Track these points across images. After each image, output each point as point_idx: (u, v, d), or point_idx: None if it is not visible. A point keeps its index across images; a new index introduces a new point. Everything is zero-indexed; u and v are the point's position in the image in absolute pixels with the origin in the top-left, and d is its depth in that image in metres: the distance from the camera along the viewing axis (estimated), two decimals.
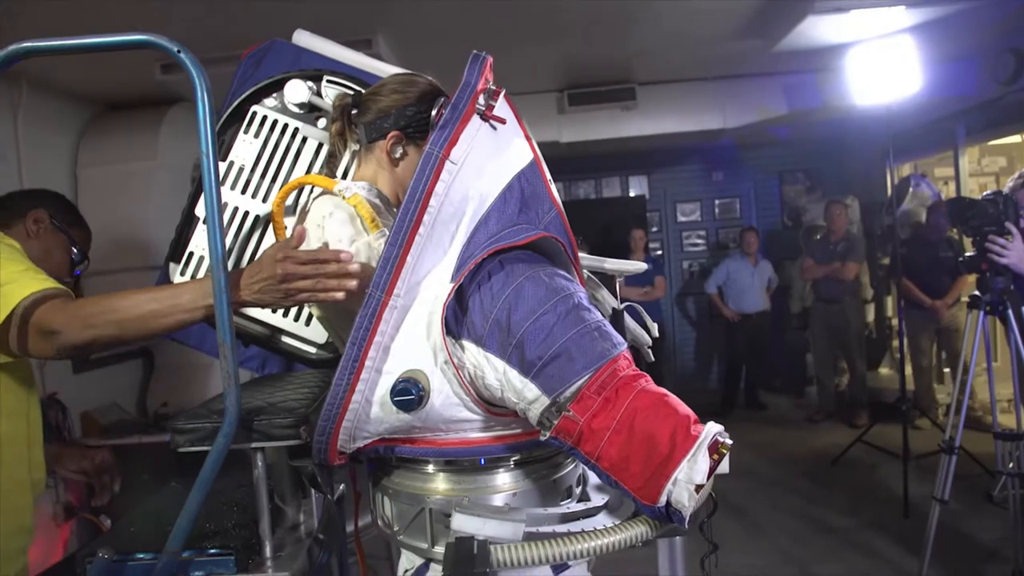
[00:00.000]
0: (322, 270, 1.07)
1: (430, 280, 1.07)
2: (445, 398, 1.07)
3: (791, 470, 4.53)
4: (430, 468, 1.20)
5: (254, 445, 1.16)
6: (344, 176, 1.46)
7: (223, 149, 1.62)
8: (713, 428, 0.98)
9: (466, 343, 1.07)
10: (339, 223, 1.14)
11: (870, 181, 5.99)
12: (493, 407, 1.10)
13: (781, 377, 6.39)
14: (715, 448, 0.95)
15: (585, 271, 1.36)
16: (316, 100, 1.59)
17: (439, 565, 1.17)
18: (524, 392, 1.03)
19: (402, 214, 1.04)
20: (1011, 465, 2.58)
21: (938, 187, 5.30)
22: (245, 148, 1.59)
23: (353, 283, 1.07)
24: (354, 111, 1.32)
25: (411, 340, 1.06)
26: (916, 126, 4.91)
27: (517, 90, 1.46)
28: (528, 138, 1.20)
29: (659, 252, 6.71)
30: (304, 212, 1.25)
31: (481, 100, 1.12)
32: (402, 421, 1.09)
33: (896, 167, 5.85)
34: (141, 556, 1.17)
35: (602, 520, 1.19)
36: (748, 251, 5.80)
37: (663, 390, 1.04)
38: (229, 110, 1.60)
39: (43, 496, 1.64)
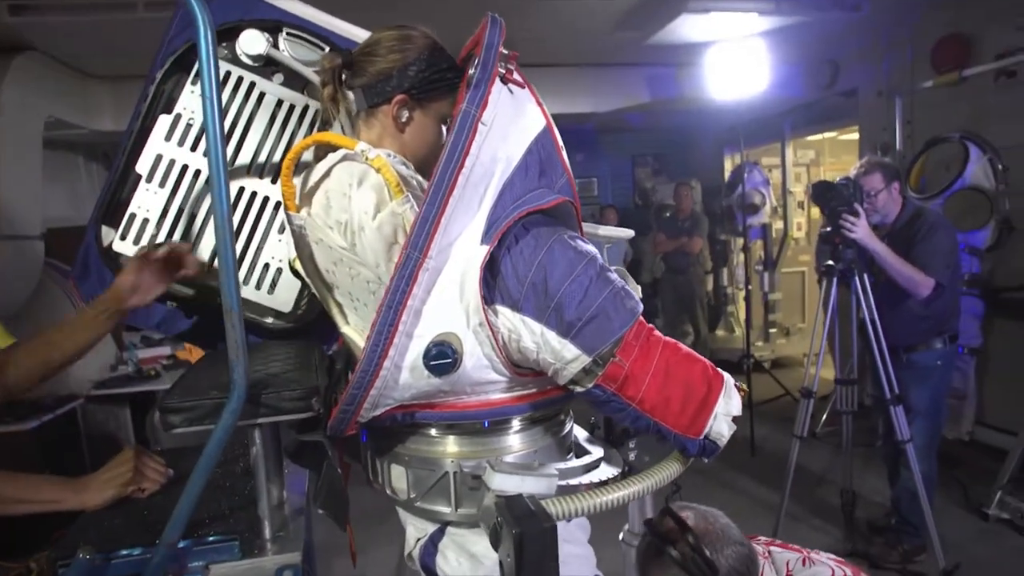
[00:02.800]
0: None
1: (461, 242, 1.01)
2: (476, 360, 1.02)
3: None
4: (434, 432, 1.14)
5: (262, 420, 1.03)
6: None
7: (165, 100, 1.41)
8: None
9: (500, 308, 1.02)
10: (366, 193, 1.03)
11: (709, 166, 6.52)
12: (518, 368, 1.06)
13: None
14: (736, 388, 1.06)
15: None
16: (274, 53, 1.42)
17: (457, 528, 1.13)
18: (562, 352, 1.01)
19: (441, 173, 0.96)
20: (846, 406, 2.96)
21: (766, 174, 5.89)
22: (194, 101, 1.39)
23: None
24: (346, 73, 1.18)
25: (443, 303, 0.99)
26: (751, 120, 5.40)
27: None
28: (540, 104, 1.15)
29: None
30: (326, 175, 1.11)
31: (500, 63, 1.06)
32: (431, 386, 1.02)
33: (731, 155, 6.43)
34: (127, 552, 1.00)
35: (605, 470, 1.21)
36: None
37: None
38: (173, 56, 1.38)
39: None
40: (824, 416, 4.34)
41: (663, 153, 7.06)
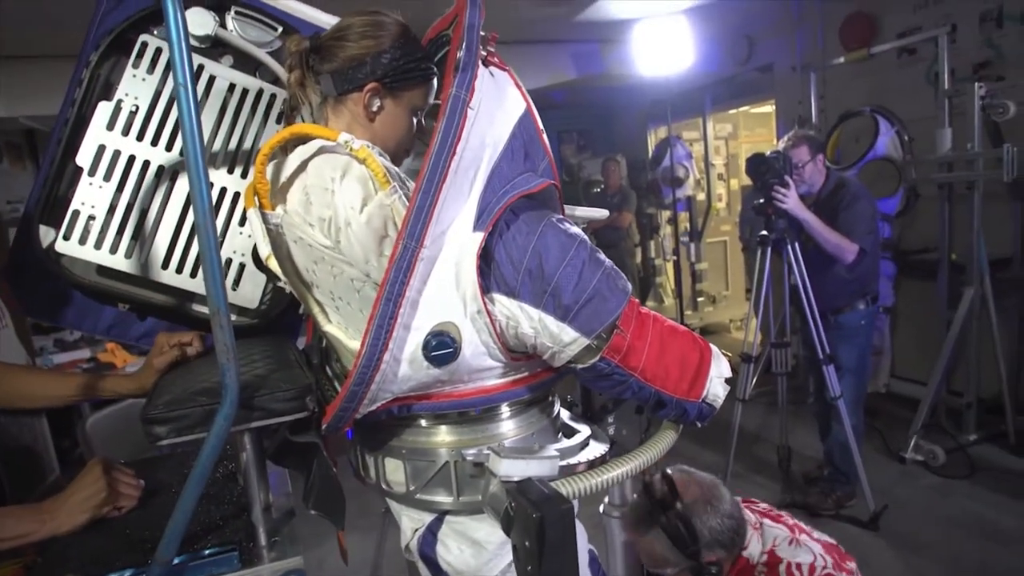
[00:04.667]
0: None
1: (453, 229, 0.99)
2: (474, 348, 1.01)
3: None
4: (424, 423, 1.13)
5: (256, 424, 0.99)
6: None
7: (100, 85, 1.30)
8: None
9: (497, 296, 1.02)
10: (351, 186, 0.99)
11: (633, 142, 6.67)
12: (513, 353, 1.07)
13: None
14: None
15: None
16: (223, 33, 1.34)
17: (456, 516, 1.13)
18: (560, 336, 1.02)
19: (434, 160, 0.94)
20: (781, 368, 3.15)
21: (688, 147, 6.08)
22: (137, 86, 1.29)
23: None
24: (313, 58, 1.12)
25: (439, 292, 0.98)
26: (674, 95, 5.55)
27: None
28: (519, 86, 1.14)
29: None
30: (300, 168, 1.05)
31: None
32: (430, 377, 1.01)
33: (654, 129, 6.60)
34: (116, 575, 0.94)
35: (596, 447, 1.24)
36: None
37: None
38: (110, 37, 1.28)
39: None
40: (754, 379, 4.58)
41: (588, 129, 7.15)
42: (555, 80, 5.26)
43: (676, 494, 1.49)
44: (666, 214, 6.12)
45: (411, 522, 1.17)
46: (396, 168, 1.08)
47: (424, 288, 0.97)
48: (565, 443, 1.17)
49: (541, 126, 1.16)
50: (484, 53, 1.04)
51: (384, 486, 1.14)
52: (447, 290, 0.99)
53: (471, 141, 0.99)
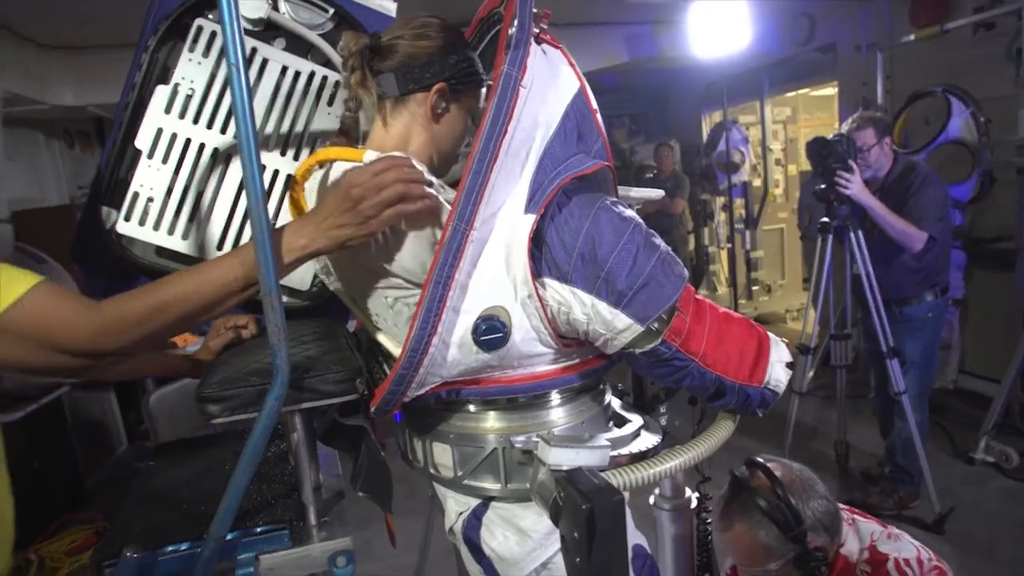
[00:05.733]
0: (404, 175, 0.90)
1: (504, 211, 0.97)
2: (524, 333, 0.99)
3: None
4: (472, 408, 1.12)
5: (306, 405, 0.99)
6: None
7: (159, 69, 1.32)
8: None
9: (548, 280, 0.99)
10: None
11: (687, 126, 6.51)
12: (565, 339, 1.04)
13: None
14: None
15: None
16: (275, 16, 1.34)
17: (502, 502, 1.11)
18: (614, 323, 0.99)
19: (485, 140, 0.92)
20: (840, 360, 3.02)
21: (745, 132, 5.90)
22: (193, 69, 1.31)
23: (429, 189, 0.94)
24: (373, 56, 1.07)
25: (489, 275, 0.96)
26: (730, 78, 5.37)
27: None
28: (573, 65, 1.11)
29: None
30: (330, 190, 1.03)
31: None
32: (480, 361, 0.99)
33: (709, 113, 6.42)
34: (173, 548, 0.96)
35: (647, 437, 1.20)
36: None
37: None
38: (168, 21, 1.29)
39: None
40: (812, 371, 4.43)
41: (641, 113, 7.02)
42: (607, 63, 5.14)
43: (772, 477, 1.43)
44: (720, 200, 5.96)
45: (456, 505, 1.16)
46: (433, 177, 1.03)
47: (474, 271, 0.95)
48: (616, 433, 1.14)
49: (595, 106, 1.13)
50: (536, 31, 1.01)
51: (432, 470, 1.13)
52: (497, 273, 0.97)
53: (523, 121, 0.96)
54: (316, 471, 1.21)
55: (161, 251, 1.33)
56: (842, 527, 1.41)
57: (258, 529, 0.99)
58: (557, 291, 0.99)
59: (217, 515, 0.93)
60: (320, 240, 0.93)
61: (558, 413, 1.13)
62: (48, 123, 4.47)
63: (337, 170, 1.03)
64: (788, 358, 1.08)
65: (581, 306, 0.99)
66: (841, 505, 1.53)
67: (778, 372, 1.06)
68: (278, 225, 0.96)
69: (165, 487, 1.16)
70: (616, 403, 1.33)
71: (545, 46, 1.04)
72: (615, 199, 1.06)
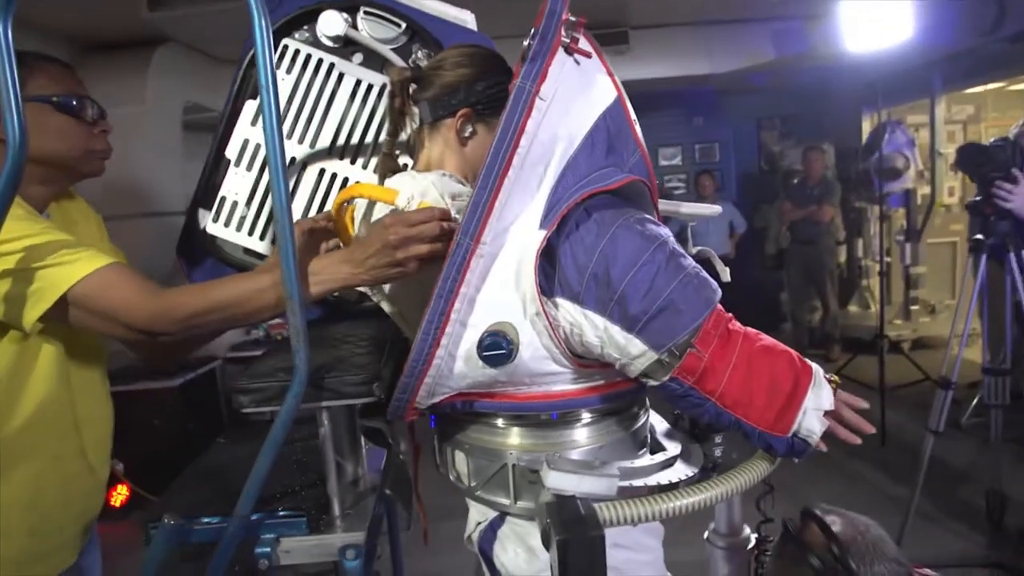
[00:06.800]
0: (434, 230, 0.96)
1: (517, 226, 0.95)
2: (534, 351, 0.97)
3: None
4: (500, 423, 1.10)
5: (325, 404, 1.04)
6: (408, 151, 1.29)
7: (251, 84, 1.44)
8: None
9: (560, 300, 0.96)
10: None
11: (844, 127, 5.93)
12: (582, 360, 1.00)
13: (754, 316, 6.42)
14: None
15: None
16: (352, 33, 1.42)
17: (517, 518, 1.10)
18: (628, 348, 0.93)
19: (493, 155, 0.91)
20: (996, 399, 2.60)
21: (911, 134, 5.25)
22: (279, 85, 1.41)
23: None
24: (413, 86, 1.15)
25: (498, 291, 0.95)
26: (892, 74, 4.80)
27: (498, 34, 1.32)
28: (611, 74, 1.06)
29: None
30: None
31: (564, 32, 0.97)
32: (487, 376, 0.98)
33: (870, 114, 5.79)
34: (207, 520, 1.06)
35: (681, 468, 1.12)
36: (703, 195, 5.67)
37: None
38: None
39: None
40: (972, 406, 3.86)
41: (792, 114, 6.50)
42: (751, 62, 4.83)
43: (830, 534, 1.29)
44: (876, 209, 5.36)
45: (477, 514, 1.16)
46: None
47: (483, 286, 0.95)
48: (639, 462, 1.08)
49: (633, 116, 1.07)
50: (566, 40, 0.97)
51: (452, 477, 1.14)
52: (507, 289, 0.95)
53: (540, 135, 0.93)
54: (356, 464, 1.27)
55: (248, 251, 1.46)
56: None
57: (280, 513, 1.06)
58: (569, 312, 0.96)
59: (241, 497, 1.01)
60: (360, 275, 1.01)
61: (581, 434, 1.09)
62: None
63: (380, 211, 1.09)
64: (828, 406, 0.95)
65: (593, 329, 0.95)
66: (925, 571, 1.32)
67: (811, 422, 0.94)
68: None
69: (224, 463, 1.28)
70: (660, 428, 1.26)
71: (578, 56, 1.00)
72: (645, 216, 1.00)
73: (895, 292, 5.33)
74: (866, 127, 5.90)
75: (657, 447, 1.18)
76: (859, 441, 0.98)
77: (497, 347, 0.94)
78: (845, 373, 4.56)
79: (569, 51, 0.98)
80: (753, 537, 1.37)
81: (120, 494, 3.06)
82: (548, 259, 0.96)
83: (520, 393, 1.04)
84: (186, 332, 1.02)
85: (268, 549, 1.03)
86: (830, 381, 0.98)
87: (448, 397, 1.02)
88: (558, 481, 0.93)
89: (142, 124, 3.60)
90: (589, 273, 0.94)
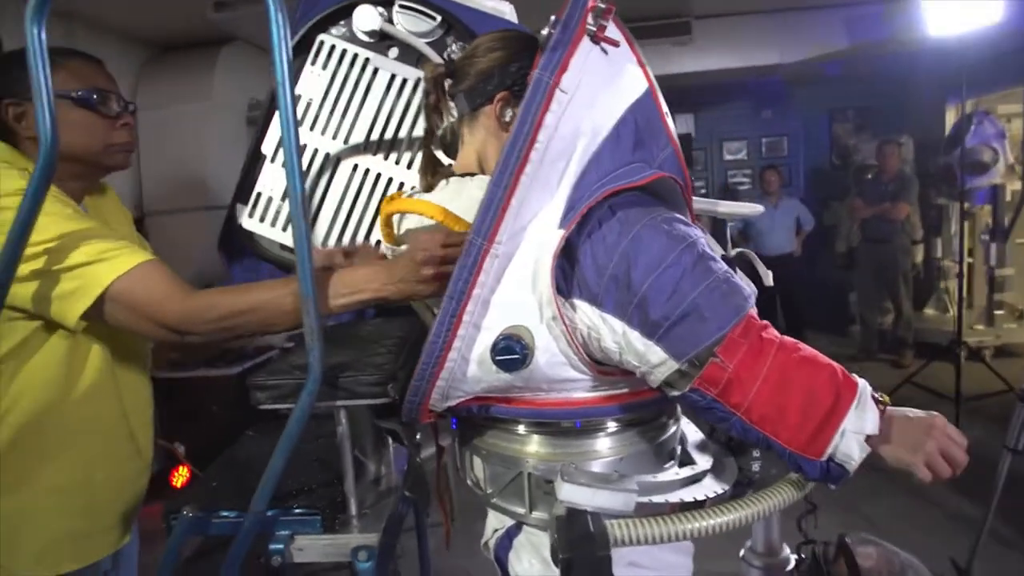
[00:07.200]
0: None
1: (535, 225, 0.90)
2: (551, 356, 0.92)
3: None
4: (521, 429, 1.06)
5: (339, 403, 1.03)
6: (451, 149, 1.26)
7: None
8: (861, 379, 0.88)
9: (578, 302, 0.91)
10: None
11: (925, 119, 5.54)
12: (602, 366, 0.95)
13: (821, 317, 6.11)
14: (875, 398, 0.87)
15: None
16: (387, 28, 1.40)
17: (533, 528, 1.05)
18: (647, 356, 0.87)
19: (508, 150, 0.86)
20: None
21: (1002, 125, 4.86)
22: (312, 81, 1.41)
23: None
24: (448, 81, 1.10)
25: (514, 293, 0.90)
26: (980, 60, 4.44)
27: (540, 27, 1.24)
28: (642, 64, 0.99)
29: (703, 192, 6.39)
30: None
31: (591, 19, 0.91)
32: (502, 380, 0.94)
33: (955, 105, 5.39)
34: (225, 514, 1.07)
35: (709, 485, 1.05)
36: (768, 191, 5.39)
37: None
38: (295, 40, 1.41)
39: None
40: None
41: (867, 106, 6.13)
42: (823, 51, 4.58)
43: (855, 567, 1.20)
44: (958, 207, 4.99)
45: (495, 521, 1.12)
46: None
47: (498, 287, 0.90)
48: (662, 476, 1.02)
49: (665, 108, 1.00)
50: (593, 28, 0.92)
51: (470, 482, 1.11)
52: (523, 291, 0.91)
53: (561, 129, 0.88)
54: (379, 463, 1.26)
55: (284, 246, 1.47)
56: None
57: (296, 510, 1.06)
58: (587, 315, 0.91)
59: (256, 493, 1.01)
60: (389, 290, 1.01)
61: (602, 445, 1.03)
62: None
63: (420, 223, 1.08)
64: (872, 429, 0.84)
65: (612, 334, 0.89)
66: None
67: (849, 445, 0.83)
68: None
69: (250, 457, 1.29)
70: (693, 439, 1.19)
71: (605, 45, 0.94)
72: (673, 215, 0.94)
73: (978, 295, 4.96)
74: (951, 118, 5.50)
75: (687, 460, 1.11)
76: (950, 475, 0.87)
77: (511, 351, 0.90)
78: (917, 381, 4.29)
79: (595, 40, 0.92)
80: (793, 559, 1.28)
81: (181, 475, 3.19)
82: (569, 259, 0.91)
83: (538, 399, 0.99)
84: (215, 334, 1.03)
85: (281, 546, 1.03)
86: (878, 401, 0.87)
87: (464, 401, 0.99)
88: (571, 494, 0.88)
89: (209, 120, 3.74)
90: (609, 274, 0.88)
